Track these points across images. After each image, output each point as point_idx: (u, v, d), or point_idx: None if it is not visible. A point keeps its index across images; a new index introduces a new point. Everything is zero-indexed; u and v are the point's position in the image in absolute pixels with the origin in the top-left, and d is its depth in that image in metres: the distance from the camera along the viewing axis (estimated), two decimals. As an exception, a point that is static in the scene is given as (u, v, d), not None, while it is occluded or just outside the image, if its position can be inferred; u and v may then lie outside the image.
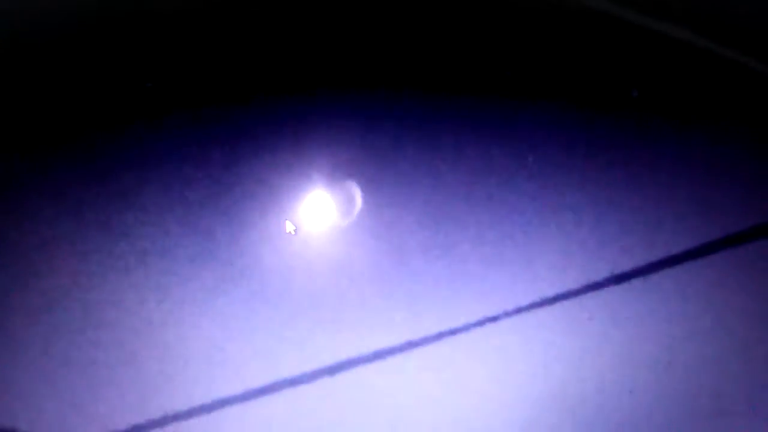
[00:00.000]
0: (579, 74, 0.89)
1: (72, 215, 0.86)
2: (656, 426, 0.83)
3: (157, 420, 0.81)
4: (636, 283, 0.85)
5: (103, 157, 0.89)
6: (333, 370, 0.82)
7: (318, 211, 0.88)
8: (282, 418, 0.82)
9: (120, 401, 0.80)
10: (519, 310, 0.83)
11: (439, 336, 0.82)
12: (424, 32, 0.91)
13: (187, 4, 0.93)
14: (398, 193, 0.84)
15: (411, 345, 0.81)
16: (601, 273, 0.84)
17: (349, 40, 0.91)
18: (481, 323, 0.84)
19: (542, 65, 0.89)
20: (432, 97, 0.87)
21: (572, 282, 0.84)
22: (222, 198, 0.86)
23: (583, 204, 0.84)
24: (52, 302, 0.84)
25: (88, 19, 0.92)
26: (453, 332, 0.82)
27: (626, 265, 0.84)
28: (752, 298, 0.86)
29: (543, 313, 0.83)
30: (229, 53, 0.91)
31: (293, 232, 0.90)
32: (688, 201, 0.85)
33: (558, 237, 0.83)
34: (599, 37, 0.90)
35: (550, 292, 0.83)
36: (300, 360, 0.82)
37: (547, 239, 0.84)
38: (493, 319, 0.84)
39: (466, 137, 0.86)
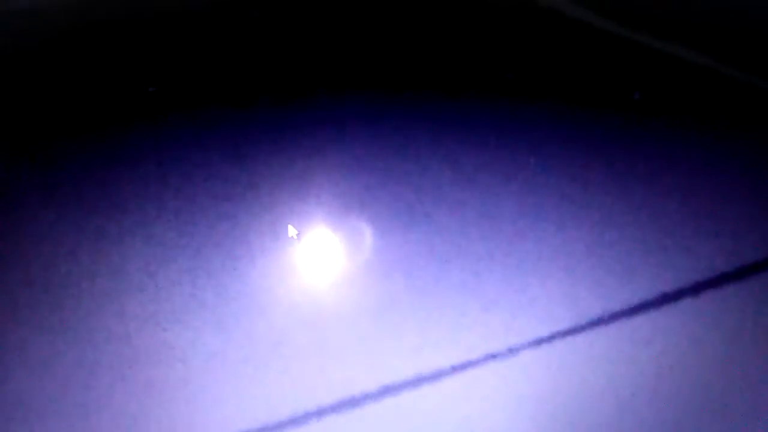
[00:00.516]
0: (581, 77, 0.89)
1: (71, 220, 0.86)
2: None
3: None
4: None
5: (102, 161, 0.89)
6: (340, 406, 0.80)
7: (320, 222, 0.87)
8: None
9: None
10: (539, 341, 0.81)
11: (453, 370, 0.80)
12: (424, 36, 0.91)
13: (187, 7, 0.93)
14: (401, 206, 0.83)
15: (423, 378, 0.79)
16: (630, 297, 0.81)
17: (351, 42, 0.91)
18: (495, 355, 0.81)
19: (543, 68, 0.89)
20: (433, 100, 0.87)
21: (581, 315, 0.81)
22: (223, 202, 0.86)
23: (587, 217, 0.83)
24: (46, 303, 0.83)
25: (90, 23, 0.93)
26: (465, 366, 0.80)
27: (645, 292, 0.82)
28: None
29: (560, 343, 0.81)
30: (230, 57, 0.92)
31: (295, 237, 0.89)
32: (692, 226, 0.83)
33: (567, 267, 0.80)
34: (600, 41, 0.91)
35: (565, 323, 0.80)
36: (298, 398, 0.80)
37: (553, 270, 0.81)
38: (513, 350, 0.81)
39: (466, 140, 0.86)
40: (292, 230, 0.90)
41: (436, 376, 0.79)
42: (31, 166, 0.88)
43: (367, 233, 0.87)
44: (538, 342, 0.82)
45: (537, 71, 0.90)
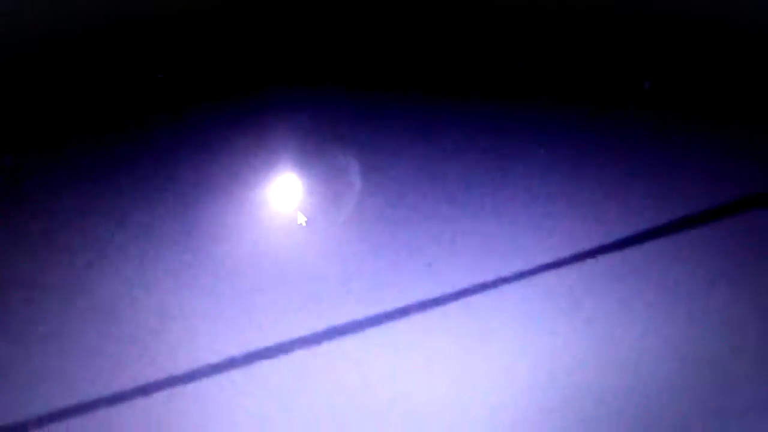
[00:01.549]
0: (591, 66, 0.89)
1: (82, 201, 0.87)
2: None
3: (140, 387, 0.82)
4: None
5: (112, 144, 0.89)
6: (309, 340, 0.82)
7: (312, 197, 0.88)
8: (258, 388, 0.82)
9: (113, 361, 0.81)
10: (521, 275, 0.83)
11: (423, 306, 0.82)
12: (437, 26, 0.91)
13: (195, 5, 0.94)
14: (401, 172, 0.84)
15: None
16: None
17: (354, 38, 0.92)
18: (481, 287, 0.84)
19: (555, 57, 0.89)
20: (446, 88, 0.87)
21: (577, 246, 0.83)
22: (225, 184, 0.87)
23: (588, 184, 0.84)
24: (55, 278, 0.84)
25: (106, 16, 0.93)
26: (437, 301, 0.82)
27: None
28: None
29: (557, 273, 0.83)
30: (234, 49, 0.92)
31: (303, 224, 0.89)
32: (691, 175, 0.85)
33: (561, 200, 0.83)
34: (611, 30, 0.91)
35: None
36: (275, 331, 0.82)
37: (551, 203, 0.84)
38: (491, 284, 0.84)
39: (477, 125, 0.86)
40: (301, 217, 0.91)
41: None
42: (41, 152, 0.89)
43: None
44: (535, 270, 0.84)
45: (548, 60, 0.90)
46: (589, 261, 0.91)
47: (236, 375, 0.90)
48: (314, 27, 0.94)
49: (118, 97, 0.94)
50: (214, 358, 0.90)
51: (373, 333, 0.89)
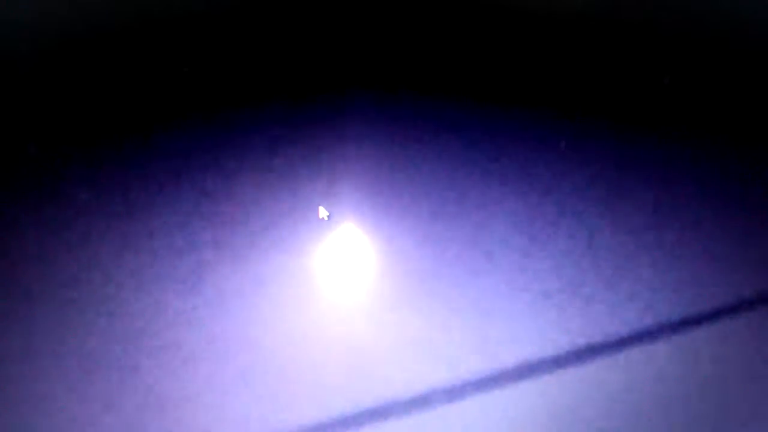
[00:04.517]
0: (610, 61, 0.89)
1: (115, 199, 0.88)
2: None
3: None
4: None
5: (136, 151, 0.90)
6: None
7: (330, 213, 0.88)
8: None
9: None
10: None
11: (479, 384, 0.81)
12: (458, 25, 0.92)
13: (219, 9, 0.96)
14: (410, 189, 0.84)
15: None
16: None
17: (370, 44, 0.93)
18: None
19: (574, 53, 0.90)
20: (470, 84, 0.88)
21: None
22: (242, 193, 0.87)
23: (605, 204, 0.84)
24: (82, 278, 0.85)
25: (139, 16, 0.95)
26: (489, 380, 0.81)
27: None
28: None
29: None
30: (253, 50, 0.93)
31: (326, 218, 0.90)
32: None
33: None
34: (630, 26, 0.91)
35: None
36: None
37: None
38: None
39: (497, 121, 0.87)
40: (323, 212, 0.91)
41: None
42: (75, 152, 0.90)
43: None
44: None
45: (567, 56, 0.90)
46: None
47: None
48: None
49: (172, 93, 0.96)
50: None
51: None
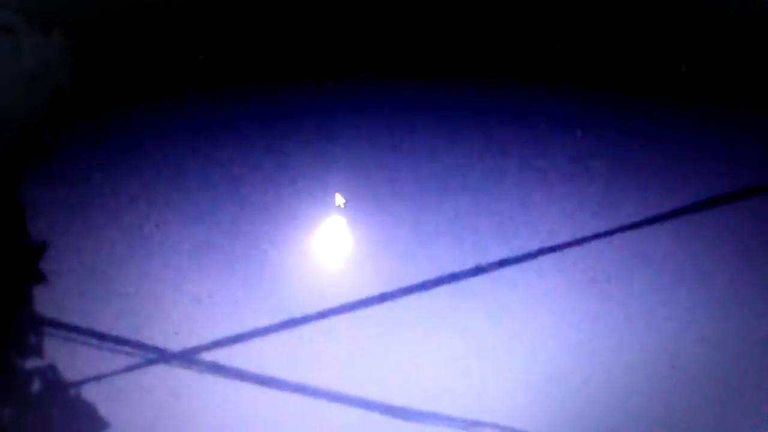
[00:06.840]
0: (628, 48, 0.90)
1: (122, 180, 0.90)
2: None
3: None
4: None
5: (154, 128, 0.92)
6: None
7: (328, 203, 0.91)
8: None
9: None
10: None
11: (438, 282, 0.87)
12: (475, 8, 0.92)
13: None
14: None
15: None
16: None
17: (382, 30, 0.93)
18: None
19: (592, 40, 0.90)
20: (488, 70, 0.89)
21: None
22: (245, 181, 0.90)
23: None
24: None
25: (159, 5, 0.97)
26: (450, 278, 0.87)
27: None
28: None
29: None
30: (265, 38, 0.95)
31: (342, 205, 0.92)
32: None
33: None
34: (649, 12, 0.91)
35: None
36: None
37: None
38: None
39: (514, 105, 0.87)
40: (339, 199, 0.93)
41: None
42: (91, 132, 0.92)
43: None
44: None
45: (585, 42, 0.91)
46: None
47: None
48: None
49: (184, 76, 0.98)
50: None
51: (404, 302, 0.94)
